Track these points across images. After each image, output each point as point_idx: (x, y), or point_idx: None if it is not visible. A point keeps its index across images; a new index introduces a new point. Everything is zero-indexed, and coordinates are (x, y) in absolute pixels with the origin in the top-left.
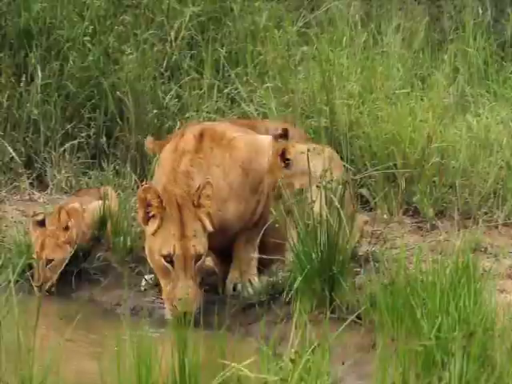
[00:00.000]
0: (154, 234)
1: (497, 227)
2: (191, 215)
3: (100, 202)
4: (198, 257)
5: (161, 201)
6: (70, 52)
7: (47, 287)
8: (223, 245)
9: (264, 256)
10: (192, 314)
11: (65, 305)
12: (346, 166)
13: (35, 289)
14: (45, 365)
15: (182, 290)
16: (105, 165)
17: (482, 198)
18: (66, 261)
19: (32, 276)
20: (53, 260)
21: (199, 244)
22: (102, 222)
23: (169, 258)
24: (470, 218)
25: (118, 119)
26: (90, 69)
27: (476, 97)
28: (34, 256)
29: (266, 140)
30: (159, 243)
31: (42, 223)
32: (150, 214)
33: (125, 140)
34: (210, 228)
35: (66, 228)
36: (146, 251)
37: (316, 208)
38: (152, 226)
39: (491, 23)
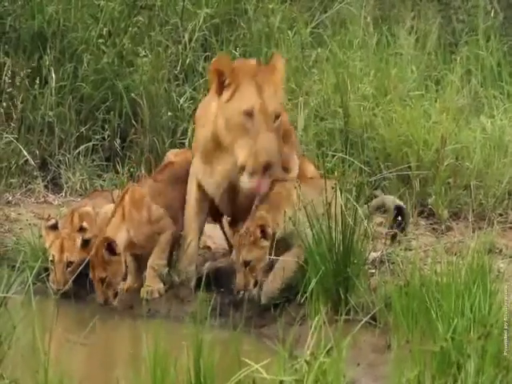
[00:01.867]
0: (229, 99)
1: (511, 228)
2: (265, 79)
3: (112, 205)
4: (277, 116)
5: (233, 68)
6: (84, 54)
7: (65, 289)
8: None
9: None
10: (273, 165)
11: (80, 307)
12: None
13: (52, 291)
14: (60, 368)
15: (265, 140)
16: (119, 167)
17: (496, 200)
18: (84, 263)
19: (48, 278)
20: (73, 262)
21: (277, 104)
22: None
23: (249, 115)
24: (485, 219)
25: (133, 121)
26: (105, 71)
27: (490, 98)
28: (50, 258)
29: None
30: (238, 103)
31: (54, 227)
32: (226, 83)
33: (139, 142)
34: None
35: (82, 230)
36: (217, 127)
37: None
38: (227, 94)
39: (504, 25)
